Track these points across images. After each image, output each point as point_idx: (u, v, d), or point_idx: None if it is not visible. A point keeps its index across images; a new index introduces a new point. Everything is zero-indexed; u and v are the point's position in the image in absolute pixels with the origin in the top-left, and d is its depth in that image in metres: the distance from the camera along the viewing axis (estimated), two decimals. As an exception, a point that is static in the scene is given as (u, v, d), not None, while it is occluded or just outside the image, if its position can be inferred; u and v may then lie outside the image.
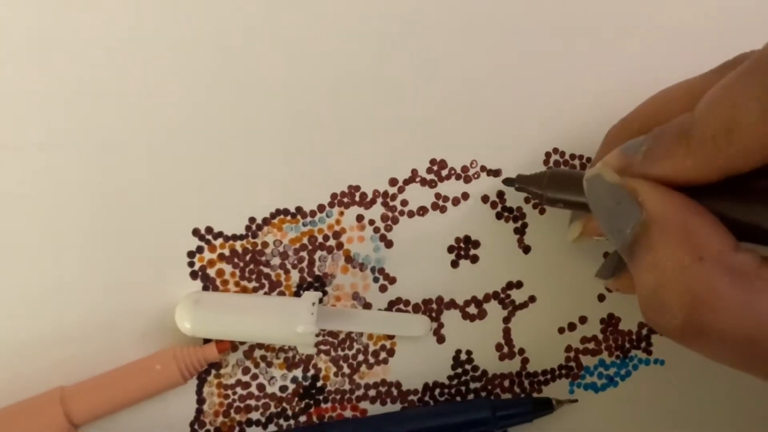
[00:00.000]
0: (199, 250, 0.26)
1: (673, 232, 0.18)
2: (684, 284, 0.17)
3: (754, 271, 0.17)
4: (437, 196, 0.27)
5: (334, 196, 0.27)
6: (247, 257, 0.26)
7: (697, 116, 0.18)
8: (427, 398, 0.27)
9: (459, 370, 0.27)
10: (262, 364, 0.26)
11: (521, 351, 0.28)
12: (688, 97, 0.22)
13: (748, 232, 0.18)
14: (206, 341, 0.26)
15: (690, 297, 0.17)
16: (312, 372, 0.27)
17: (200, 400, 0.26)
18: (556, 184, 0.24)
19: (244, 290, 0.26)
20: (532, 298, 0.28)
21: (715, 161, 0.17)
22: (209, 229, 0.26)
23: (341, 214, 0.27)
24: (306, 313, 0.25)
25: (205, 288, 0.26)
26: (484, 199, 0.28)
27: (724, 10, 0.29)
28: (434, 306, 0.27)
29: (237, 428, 0.26)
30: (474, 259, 0.27)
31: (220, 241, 0.26)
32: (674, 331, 0.17)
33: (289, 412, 0.26)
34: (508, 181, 0.27)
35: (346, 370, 0.27)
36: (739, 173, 0.17)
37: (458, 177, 0.27)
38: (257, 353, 0.26)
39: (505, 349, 0.28)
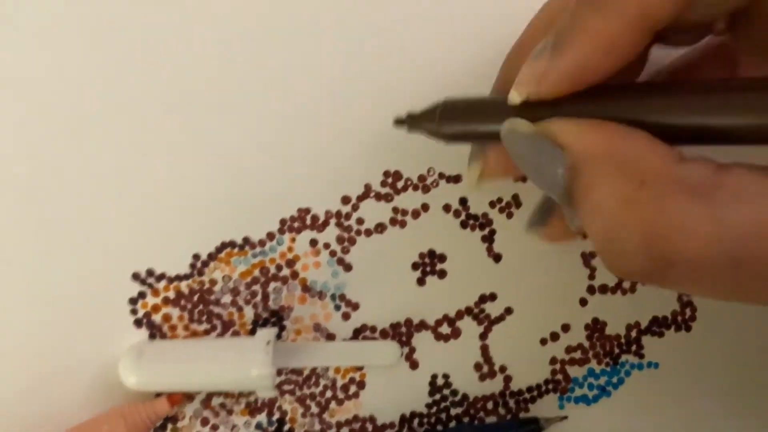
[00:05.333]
0: (141, 295, 0.24)
1: (604, 165, 0.15)
2: (633, 217, 0.15)
3: (710, 180, 0.14)
4: (395, 210, 0.25)
5: (283, 221, 0.25)
6: (195, 298, 0.24)
7: None
8: (405, 431, 0.25)
9: (437, 397, 0.25)
10: (222, 413, 0.24)
11: (502, 368, 0.26)
12: None
13: (692, 135, 0.15)
14: (159, 394, 0.24)
15: (643, 229, 0.14)
16: (277, 415, 0.25)
17: (158, 459, 0.24)
18: (452, 115, 0.21)
19: (195, 334, 0.24)
20: (509, 310, 0.26)
21: (632, 15, 0.15)
22: (150, 272, 0.24)
23: (293, 240, 0.25)
24: (261, 354, 0.23)
25: (152, 336, 0.24)
26: (446, 208, 0.26)
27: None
28: (403, 329, 0.25)
29: (201, 485, 0.24)
30: (441, 275, 0.26)
31: (163, 283, 0.24)
32: (641, 273, 0.15)
33: (257, 461, 0.24)
34: (397, 122, 0.23)
35: (315, 409, 0.25)
36: (665, 28, 0.15)
37: (416, 187, 0.25)
38: (215, 401, 0.24)
39: (485, 369, 0.26)
